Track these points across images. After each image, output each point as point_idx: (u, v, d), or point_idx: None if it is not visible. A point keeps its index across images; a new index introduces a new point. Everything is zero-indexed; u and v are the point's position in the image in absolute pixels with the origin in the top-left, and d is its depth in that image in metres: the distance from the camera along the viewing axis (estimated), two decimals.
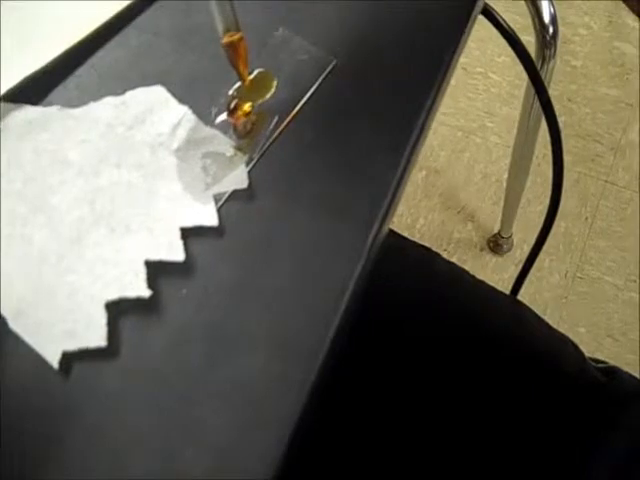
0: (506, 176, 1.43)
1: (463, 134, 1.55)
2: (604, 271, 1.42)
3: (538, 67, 0.96)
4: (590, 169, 1.50)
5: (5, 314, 0.39)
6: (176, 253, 0.39)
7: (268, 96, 0.43)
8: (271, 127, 0.43)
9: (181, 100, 0.43)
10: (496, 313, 0.68)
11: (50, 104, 0.43)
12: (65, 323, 0.38)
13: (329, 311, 0.39)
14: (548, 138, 1.43)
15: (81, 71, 0.44)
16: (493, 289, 0.72)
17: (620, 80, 1.59)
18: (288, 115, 0.43)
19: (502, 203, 1.39)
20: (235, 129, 0.42)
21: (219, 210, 0.41)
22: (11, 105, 0.42)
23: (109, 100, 0.43)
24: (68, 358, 0.38)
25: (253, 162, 0.42)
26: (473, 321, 0.67)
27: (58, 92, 0.44)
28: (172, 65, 0.45)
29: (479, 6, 0.47)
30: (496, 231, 1.44)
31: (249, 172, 0.42)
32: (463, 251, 1.43)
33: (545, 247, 1.44)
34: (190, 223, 0.40)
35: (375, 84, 0.44)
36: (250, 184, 0.41)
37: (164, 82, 0.43)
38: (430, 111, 0.44)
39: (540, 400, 0.62)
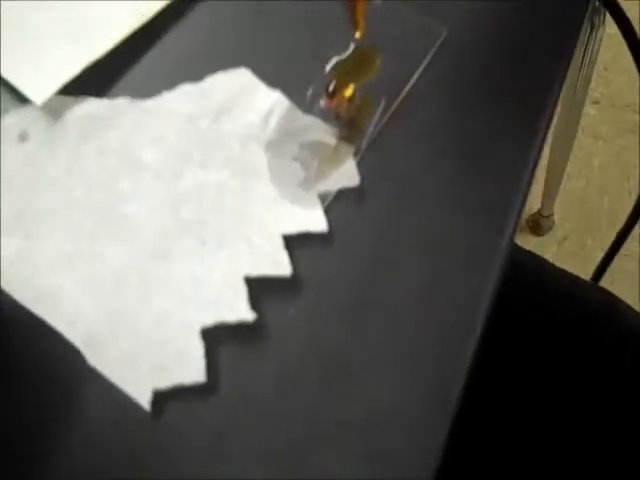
0: (544, 152, 1.36)
1: None
2: None
3: (586, 36, 0.91)
4: (629, 140, 1.43)
5: (80, 348, 0.32)
6: (281, 267, 0.33)
7: (372, 74, 0.36)
8: (379, 111, 0.36)
9: (270, 84, 0.36)
10: (588, 304, 0.64)
11: (117, 96, 0.36)
12: (153, 356, 0.32)
13: (466, 323, 0.33)
14: (586, 110, 1.36)
15: (151, 56, 0.38)
16: (577, 278, 0.68)
17: None
18: (397, 96, 0.37)
19: (541, 180, 1.32)
20: (337, 115, 0.36)
21: (326, 212, 0.34)
22: (70, 98, 0.36)
23: (186, 88, 0.36)
24: (160, 397, 0.32)
25: (361, 153, 0.35)
26: (564, 313, 0.62)
27: (125, 81, 0.37)
28: (255, 44, 0.38)
29: None
30: (535, 210, 1.37)
31: (358, 165, 0.35)
32: None
33: (587, 225, 1.38)
34: (294, 230, 0.34)
35: (494, 57, 0.38)
36: (360, 180, 0.35)
37: (248, 64, 0.37)
38: (562, 85, 0.37)
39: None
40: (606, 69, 1.49)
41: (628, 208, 1.37)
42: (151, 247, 0.34)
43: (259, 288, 0.34)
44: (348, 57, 0.37)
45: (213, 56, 0.38)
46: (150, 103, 0.36)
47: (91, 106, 0.36)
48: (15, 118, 0.36)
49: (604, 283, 1.23)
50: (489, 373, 0.57)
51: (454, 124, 0.37)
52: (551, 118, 0.37)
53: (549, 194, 1.30)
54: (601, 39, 0.92)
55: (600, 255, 1.34)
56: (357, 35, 0.35)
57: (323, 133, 0.36)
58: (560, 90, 0.37)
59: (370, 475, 0.31)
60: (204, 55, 0.38)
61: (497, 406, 0.58)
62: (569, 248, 1.36)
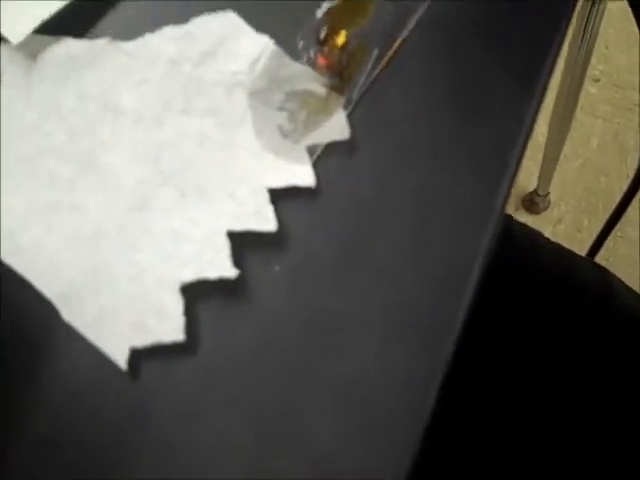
0: (542, 130, 1.34)
1: None
2: None
3: (586, 15, 0.89)
4: (629, 120, 1.41)
5: (54, 301, 0.30)
6: (266, 221, 0.32)
7: (365, 22, 0.34)
8: (371, 61, 0.34)
9: (258, 29, 0.34)
10: (583, 280, 0.63)
11: (97, 36, 0.34)
12: (132, 313, 0.31)
13: (458, 285, 0.32)
14: (586, 88, 1.34)
15: None
16: (573, 253, 0.67)
17: None
18: (391, 46, 0.35)
19: (538, 159, 1.31)
20: (328, 64, 0.34)
21: (314, 166, 0.32)
22: (48, 38, 0.34)
23: (170, 31, 0.35)
24: (137, 356, 0.31)
25: (352, 105, 0.33)
26: (558, 287, 0.61)
27: (106, 21, 0.36)
28: None
29: None
30: (531, 189, 1.36)
31: (348, 117, 0.33)
32: None
33: (584, 205, 1.37)
34: (280, 183, 0.32)
35: (492, 10, 0.36)
36: (350, 133, 0.33)
37: (235, 6, 0.35)
38: (563, 38, 0.35)
39: (636, 367, 0.57)
40: (607, 47, 1.47)
41: (625, 189, 1.36)
42: (130, 198, 0.33)
43: (242, 243, 0.32)
44: (340, 3, 0.35)
45: None
46: (132, 45, 0.34)
47: (70, 47, 0.34)
48: None
49: (603, 263, 1.22)
50: (477, 344, 0.56)
51: (448, 76, 0.35)
52: (552, 70, 0.35)
53: (545, 173, 1.29)
54: (602, 14, 0.91)
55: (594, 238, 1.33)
56: None
57: (312, 82, 0.34)
58: (561, 42, 0.36)
59: (355, 435, 0.30)
60: None
61: (486, 376, 0.57)
62: (565, 229, 1.35)
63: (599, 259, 1.29)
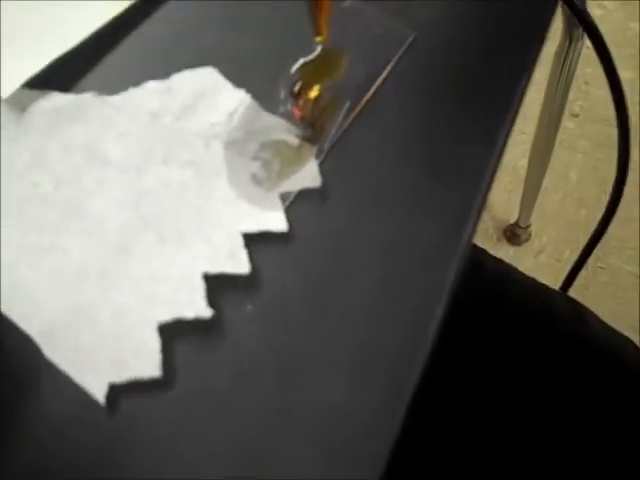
0: (522, 163, 1.38)
1: None
2: (625, 260, 1.37)
3: (564, 52, 0.91)
4: (607, 154, 1.45)
5: (37, 340, 0.32)
6: (240, 264, 0.33)
7: (338, 76, 0.37)
8: (343, 112, 0.36)
9: (236, 83, 0.36)
10: (556, 313, 0.64)
11: (83, 91, 0.36)
12: (111, 350, 0.32)
13: (422, 325, 0.33)
14: (564, 123, 1.37)
15: (118, 52, 0.38)
16: (547, 287, 0.68)
17: (634, 61, 1.54)
18: (362, 98, 0.37)
19: (518, 192, 1.33)
20: (301, 116, 0.36)
21: (287, 212, 0.34)
22: (36, 92, 0.36)
23: (152, 85, 0.36)
24: (116, 391, 0.32)
25: (324, 154, 0.36)
26: (531, 321, 0.62)
27: (92, 76, 0.37)
28: (223, 43, 0.38)
29: None
30: (513, 221, 1.38)
31: (320, 167, 0.35)
32: (479, 242, 1.37)
33: (565, 236, 1.39)
34: (254, 228, 0.34)
35: (460, 62, 0.38)
36: (322, 181, 0.35)
37: (215, 63, 0.37)
38: (524, 92, 0.38)
39: (607, 401, 0.59)
40: (586, 83, 1.51)
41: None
42: (112, 242, 0.34)
43: (217, 285, 0.34)
44: (315, 58, 0.37)
45: (180, 55, 0.38)
46: (116, 99, 0.36)
47: (57, 101, 0.36)
48: None
49: (577, 294, 1.24)
50: (449, 377, 0.57)
51: (418, 127, 0.37)
52: (513, 123, 0.37)
53: (526, 205, 1.31)
54: (579, 52, 0.93)
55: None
56: (318, 40, 0.35)
57: (286, 133, 0.36)
58: (523, 95, 0.38)
59: (324, 471, 0.31)
60: (171, 54, 0.38)
61: (452, 410, 0.58)
62: (546, 260, 1.37)
63: (580, 289, 1.32)
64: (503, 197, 1.42)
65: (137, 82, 0.37)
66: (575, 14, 0.54)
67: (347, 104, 0.37)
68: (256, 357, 0.33)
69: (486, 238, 1.38)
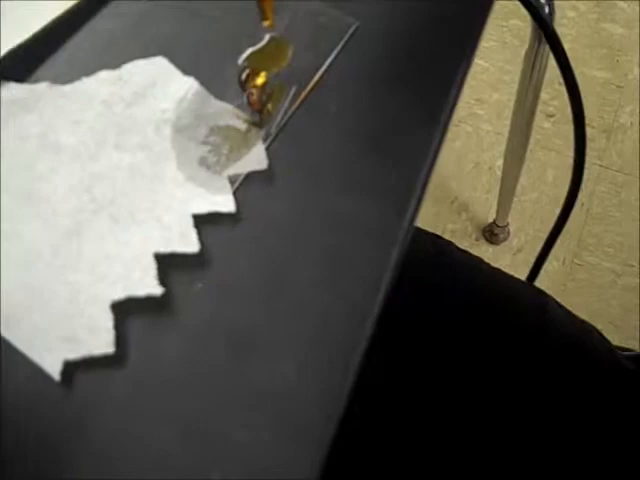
0: (498, 164, 1.40)
1: (453, 123, 1.50)
2: (602, 257, 1.39)
3: (533, 52, 0.93)
4: None
5: None
6: (189, 244, 0.34)
7: (284, 64, 0.38)
8: (289, 98, 0.38)
9: (186, 72, 0.38)
10: (519, 302, 0.65)
11: (37, 81, 0.37)
12: (65, 328, 0.33)
13: (366, 302, 0.35)
14: (541, 123, 1.39)
15: (72, 43, 0.39)
16: (512, 277, 0.69)
17: (609, 62, 1.56)
18: (307, 84, 0.38)
19: (495, 192, 1.35)
20: (249, 102, 0.38)
21: (235, 194, 0.36)
22: None
23: (104, 75, 0.38)
24: (70, 368, 0.33)
25: (271, 138, 0.37)
26: (496, 311, 0.63)
27: (46, 67, 0.39)
28: (174, 34, 0.40)
29: None
30: (491, 220, 1.40)
31: (267, 150, 0.36)
32: (459, 241, 1.38)
33: (541, 236, 1.41)
34: (203, 210, 0.35)
35: (402, 49, 0.40)
36: (269, 164, 0.36)
37: (166, 53, 0.39)
38: (464, 77, 0.39)
39: (571, 389, 0.60)
40: (560, 83, 1.53)
41: (581, 219, 1.41)
42: (65, 225, 0.36)
43: (168, 264, 0.35)
44: (262, 47, 0.39)
45: (131, 47, 0.39)
46: (69, 88, 0.38)
47: (12, 91, 0.37)
48: None
49: (555, 291, 1.26)
50: (411, 362, 0.58)
51: (361, 112, 0.39)
52: (454, 106, 0.39)
53: (503, 205, 1.33)
54: (548, 54, 0.94)
55: (553, 265, 1.37)
56: (266, 24, 0.37)
57: (234, 118, 0.38)
58: (463, 79, 0.39)
59: (271, 441, 0.32)
60: (123, 46, 0.39)
61: (417, 396, 0.58)
62: (524, 257, 1.39)
63: (557, 285, 1.33)
64: (481, 197, 1.44)
65: (90, 73, 0.38)
66: (529, 12, 0.56)
67: (293, 90, 0.38)
68: (206, 333, 0.34)
69: (465, 237, 1.40)
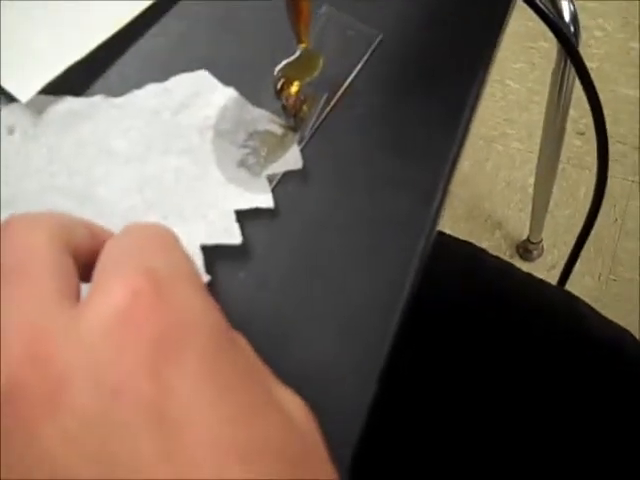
0: (530, 182, 1.41)
1: (484, 142, 1.53)
2: (636, 272, 1.39)
3: (560, 71, 0.94)
4: (616, 170, 1.48)
5: None
6: (232, 236, 0.38)
7: (316, 74, 0.41)
8: (321, 104, 0.41)
9: (226, 84, 0.41)
10: (552, 306, 0.66)
11: (92, 94, 0.41)
12: None
13: (396, 287, 0.37)
14: (572, 141, 1.40)
15: (122, 60, 0.43)
16: (543, 282, 0.70)
17: (638, 80, 1.58)
18: (337, 91, 0.42)
19: (528, 209, 1.37)
20: (284, 108, 0.41)
21: (273, 191, 0.39)
22: (51, 97, 0.41)
23: (152, 87, 0.42)
24: None
25: (305, 141, 0.40)
26: (528, 314, 0.64)
27: (100, 82, 0.42)
28: (214, 51, 0.44)
29: None
30: (524, 237, 1.42)
31: (301, 151, 0.40)
32: None
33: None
34: (245, 206, 0.38)
35: (424, 56, 0.43)
36: (303, 164, 0.40)
37: (207, 68, 0.42)
38: (483, 82, 0.42)
39: (604, 391, 0.60)
40: None
41: (615, 234, 1.41)
42: (121, 223, 0.39)
43: (213, 255, 0.38)
44: (295, 59, 0.42)
45: (177, 61, 0.43)
46: (121, 100, 0.41)
47: (70, 103, 0.41)
48: (3, 113, 0.41)
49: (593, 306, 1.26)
50: (444, 367, 0.60)
51: (387, 116, 0.42)
52: (474, 109, 0.42)
53: (536, 222, 1.34)
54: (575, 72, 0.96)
55: (587, 280, 1.37)
56: (301, 47, 0.40)
57: (271, 123, 0.41)
58: (482, 84, 0.42)
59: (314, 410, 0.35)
60: (169, 60, 0.43)
61: (450, 400, 0.60)
62: (558, 274, 1.40)
63: (592, 300, 1.34)
64: (514, 215, 1.46)
65: (139, 86, 0.42)
66: (551, 28, 0.58)
67: (324, 97, 0.42)
68: (248, 317, 0.37)
69: (499, 254, 1.41)
